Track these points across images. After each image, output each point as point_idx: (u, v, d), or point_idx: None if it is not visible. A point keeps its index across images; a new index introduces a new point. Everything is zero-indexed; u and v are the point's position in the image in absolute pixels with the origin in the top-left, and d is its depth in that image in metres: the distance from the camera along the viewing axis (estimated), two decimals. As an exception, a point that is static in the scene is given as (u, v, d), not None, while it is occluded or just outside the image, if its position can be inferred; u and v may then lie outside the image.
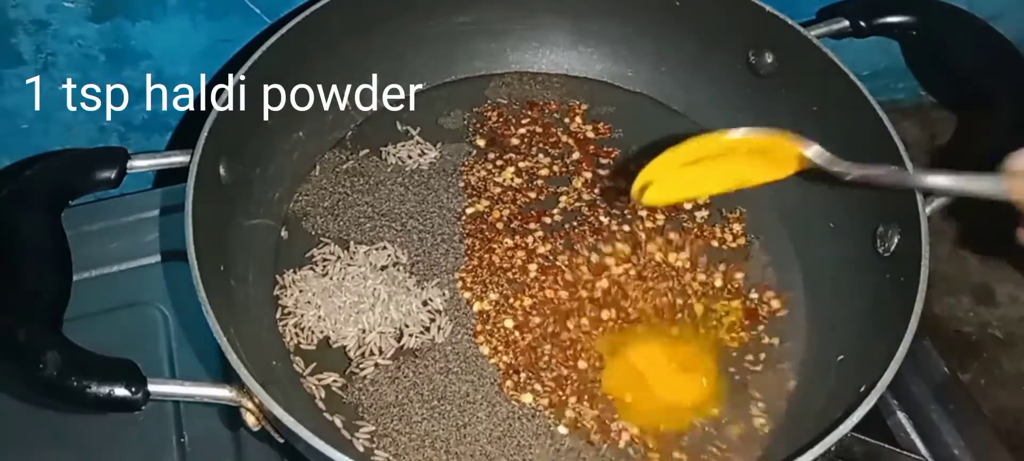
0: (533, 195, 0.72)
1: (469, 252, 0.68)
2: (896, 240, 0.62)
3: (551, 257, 0.68)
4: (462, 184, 0.72)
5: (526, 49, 0.79)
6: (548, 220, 0.70)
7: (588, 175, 0.73)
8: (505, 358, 0.63)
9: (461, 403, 0.61)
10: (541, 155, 0.74)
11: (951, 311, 0.83)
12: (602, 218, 0.71)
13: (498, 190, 0.72)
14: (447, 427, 0.60)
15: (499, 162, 0.73)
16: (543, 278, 0.67)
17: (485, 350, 0.63)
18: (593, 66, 0.79)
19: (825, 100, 0.68)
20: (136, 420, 0.54)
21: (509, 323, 0.65)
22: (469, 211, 0.71)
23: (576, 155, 0.74)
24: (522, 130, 0.75)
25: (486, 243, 0.69)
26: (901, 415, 0.67)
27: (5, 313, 0.53)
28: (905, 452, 0.60)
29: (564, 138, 0.75)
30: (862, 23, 0.70)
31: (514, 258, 0.68)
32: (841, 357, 0.62)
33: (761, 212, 0.71)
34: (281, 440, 0.55)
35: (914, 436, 0.67)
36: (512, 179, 0.72)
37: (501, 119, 0.76)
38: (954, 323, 0.82)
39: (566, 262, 0.68)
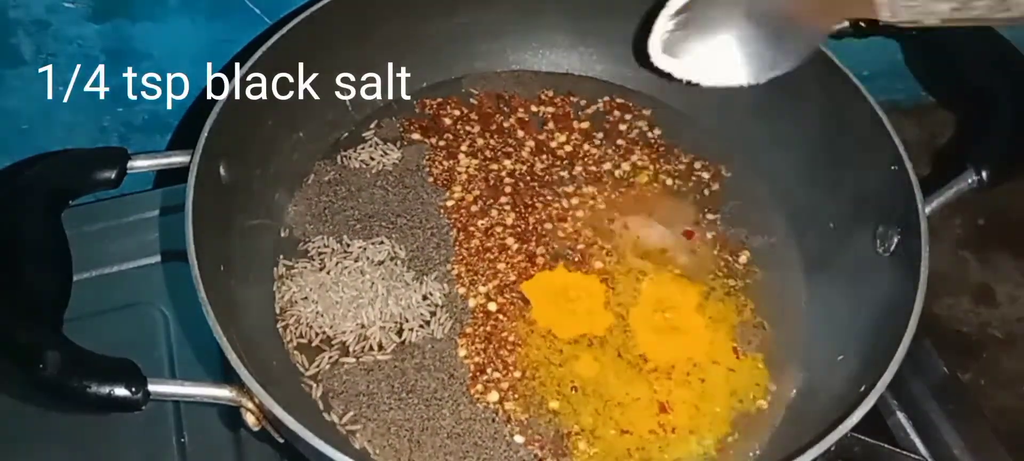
0: (495, 168, 0.73)
1: (457, 243, 0.69)
2: (896, 240, 0.62)
3: (521, 224, 0.69)
4: (431, 179, 0.72)
5: (526, 49, 0.79)
6: (508, 189, 0.72)
7: (532, 144, 0.74)
8: (477, 359, 0.63)
9: (428, 398, 0.61)
10: (489, 137, 0.75)
11: (951, 311, 0.83)
12: (561, 172, 0.73)
13: (463, 176, 0.72)
14: (412, 418, 0.60)
15: (450, 149, 0.74)
16: (520, 245, 0.68)
17: (462, 351, 0.63)
18: (593, 66, 0.79)
19: (825, 100, 0.68)
20: (136, 420, 0.54)
21: (492, 306, 0.66)
22: (448, 203, 0.71)
23: (520, 133, 0.75)
24: (454, 113, 0.76)
25: (467, 231, 0.69)
26: (901, 415, 0.67)
27: (5, 313, 0.53)
28: (905, 452, 0.60)
29: (507, 122, 0.76)
30: (862, 23, 0.70)
31: (492, 237, 0.69)
32: (841, 357, 0.62)
33: (762, 212, 0.71)
34: (281, 440, 0.55)
35: (914, 436, 0.67)
36: (470, 161, 0.73)
37: (450, 110, 0.76)
38: (954, 323, 0.83)
39: (536, 220, 0.70)
